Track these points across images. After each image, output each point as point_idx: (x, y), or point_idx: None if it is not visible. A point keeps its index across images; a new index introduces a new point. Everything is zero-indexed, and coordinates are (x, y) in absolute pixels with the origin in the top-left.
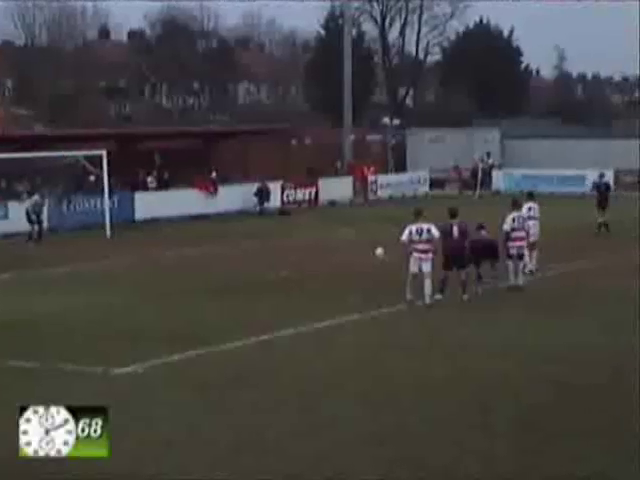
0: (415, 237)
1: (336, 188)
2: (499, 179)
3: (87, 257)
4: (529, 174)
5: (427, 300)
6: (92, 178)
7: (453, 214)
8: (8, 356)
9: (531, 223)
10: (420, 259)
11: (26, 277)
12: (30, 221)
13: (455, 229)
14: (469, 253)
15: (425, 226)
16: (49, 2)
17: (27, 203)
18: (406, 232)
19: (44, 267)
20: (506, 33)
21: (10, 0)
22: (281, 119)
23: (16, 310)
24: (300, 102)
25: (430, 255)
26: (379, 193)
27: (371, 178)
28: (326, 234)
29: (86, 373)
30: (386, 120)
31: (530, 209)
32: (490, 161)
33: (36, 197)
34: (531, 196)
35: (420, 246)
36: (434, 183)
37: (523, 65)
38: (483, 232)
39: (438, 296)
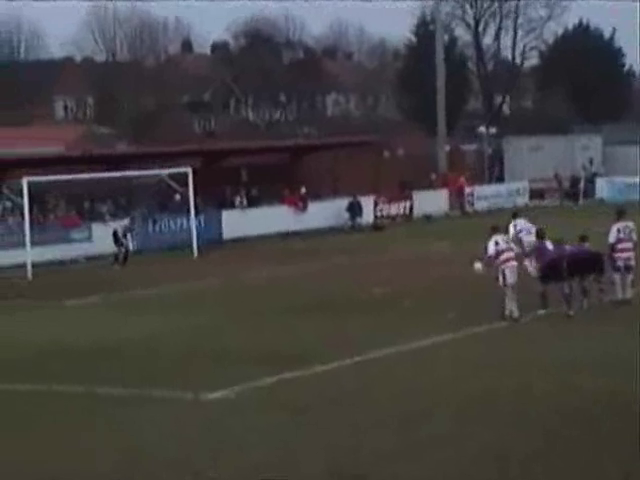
0: (503, 246)
1: (431, 201)
2: (602, 188)
3: (174, 278)
4: (633, 182)
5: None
6: (177, 197)
7: (541, 236)
8: (95, 382)
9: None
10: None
11: (112, 300)
12: (118, 243)
13: (548, 242)
14: (572, 266)
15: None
16: (130, 16)
17: (117, 225)
18: (491, 244)
19: (130, 289)
20: (607, 34)
21: (90, 15)
22: (371, 130)
23: (102, 334)
24: (391, 112)
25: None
26: (476, 205)
27: (467, 190)
28: (421, 248)
29: (175, 399)
30: (482, 129)
31: (619, 230)
32: (592, 169)
33: (127, 221)
34: (622, 214)
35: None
36: (533, 194)
37: (625, 68)
38: (586, 244)
39: (540, 311)
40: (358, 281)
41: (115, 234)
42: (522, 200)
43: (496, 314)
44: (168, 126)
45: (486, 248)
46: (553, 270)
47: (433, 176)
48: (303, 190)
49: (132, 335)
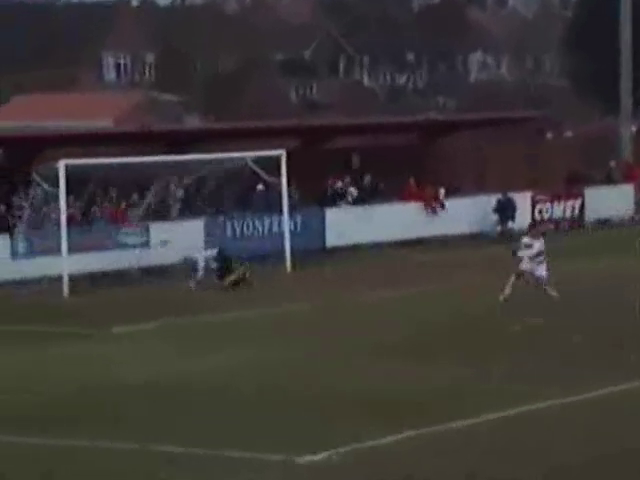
0: None
1: (609, 200)
2: None
3: (260, 298)
4: None
5: None
6: (260, 187)
7: None
8: (151, 436)
9: None
10: None
11: (173, 327)
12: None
13: None
14: None
15: None
16: None
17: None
18: None
19: (204, 312)
20: None
21: None
22: (530, 103)
23: (164, 371)
24: (557, 79)
25: None
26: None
27: None
28: (594, 267)
29: (260, 462)
30: None
31: None
32: None
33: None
34: None
35: None
36: None
37: None
38: None
39: None
40: (507, 308)
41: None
42: None
43: None
44: (254, 93)
45: None
46: None
47: (612, 164)
48: (442, 192)
49: (204, 371)
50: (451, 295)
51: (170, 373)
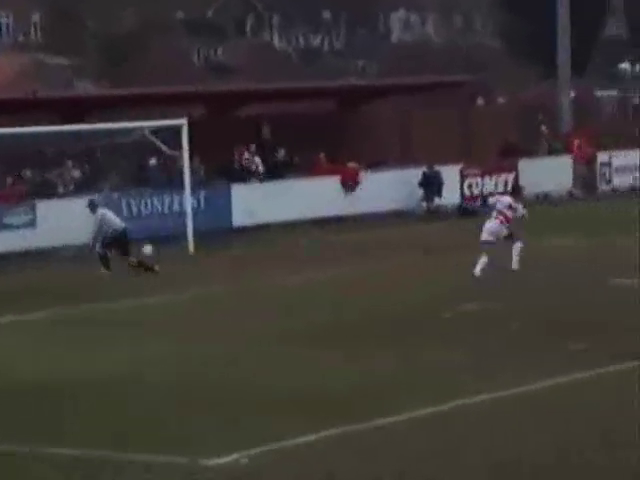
0: None
1: (546, 173)
2: None
3: (160, 284)
4: None
5: None
6: (153, 162)
7: None
8: (39, 438)
9: None
10: None
11: (65, 317)
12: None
13: None
14: None
15: None
16: None
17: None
18: None
19: (93, 301)
20: None
21: None
22: (459, 67)
23: (54, 366)
24: (489, 41)
25: None
26: (615, 182)
27: (602, 157)
28: (533, 247)
29: (161, 466)
30: (625, 66)
31: None
32: None
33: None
34: None
35: None
36: None
37: None
38: None
39: None
40: (437, 293)
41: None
42: None
43: None
44: (153, 57)
45: None
46: None
47: (543, 128)
48: (352, 164)
49: (94, 370)
50: (375, 278)
51: (60, 369)
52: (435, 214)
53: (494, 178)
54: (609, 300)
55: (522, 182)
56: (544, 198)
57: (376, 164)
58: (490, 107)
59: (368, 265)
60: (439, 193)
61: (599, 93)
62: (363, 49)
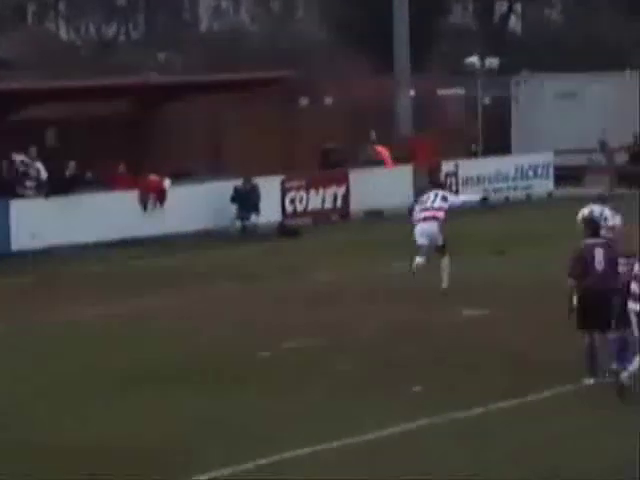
0: None
1: (382, 185)
2: None
3: None
4: None
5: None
6: None
7: (593, 229)
8: None
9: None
10: None
11: None
12: None
13: (599, 254)
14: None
15: None
16: None
17: None
18: None
19: None
20: None
21: None
22: (279, 61)
23: None
24: (313, 29)
25: None
26: (461, 194)
27: (447, 167)
28: (366, 270)
29: None
30: (473, 60)
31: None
32: None
33: None
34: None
35: None
36: (562, 175)
37: None
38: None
39: (589, 380)
40: (254, 329)
41: None
42: (542, 186)
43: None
44: None
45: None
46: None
47: (373, 135)
48: (167, 182)
49: None
50: (183, 311)
51: None
52: (252, 234)
53: (321, 192)
54: (456, 334)
55: (354, 196)
56: (379, 215)
57: (182, 176)
58: (316, 108)
59: (174, 296)
60: (256, 209)
61: (443, 92)
62: (165, 40)
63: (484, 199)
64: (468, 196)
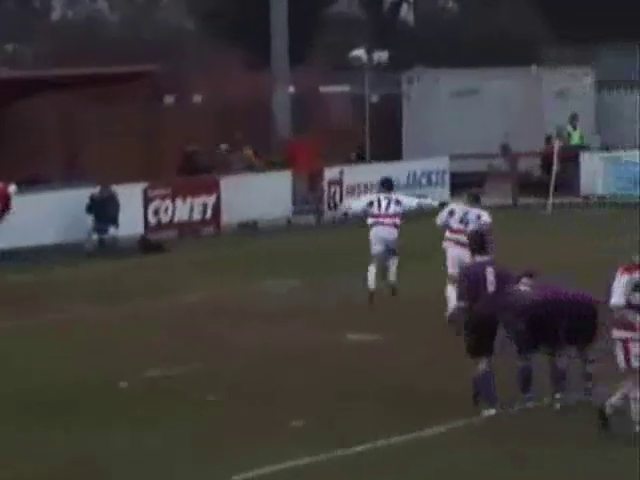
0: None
1: (257, 194)
2: (598, 171)
3: None
4: None
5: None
6: None
7: (480, 245)
8: None
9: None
10: None
11: None
12: None
13: (489, 274)
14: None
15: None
16: None
17: None
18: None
19: None
20: None
21: None
22: (141, 54)
23: None
24: (180, 20)
25: None
26: (345, 205)
27: (331, 174)
28: (241, 288)
29: None
30: (360, 53)
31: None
32: (576, 134)
33: None
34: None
35: None
36: (460, 183)
37: None
38: (525, 284)
39: (489, 411)
40: (113, 357)
41: None
42: (436, 195)
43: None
44: None
45: None
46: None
47: (238, 134)
48: (13, 187)
49: None
50: (33, 337)
51: None
52: (110, 249)
53: (189, 201)
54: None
55: (225, 206)
56: (253, 227)
57: (30, 182)
58: (183, 106)
59: (22, 320)
60: (115, 221)
61: (326, 88)
62: (12, 30)
63: (442, 204)
64: (423, 200)
